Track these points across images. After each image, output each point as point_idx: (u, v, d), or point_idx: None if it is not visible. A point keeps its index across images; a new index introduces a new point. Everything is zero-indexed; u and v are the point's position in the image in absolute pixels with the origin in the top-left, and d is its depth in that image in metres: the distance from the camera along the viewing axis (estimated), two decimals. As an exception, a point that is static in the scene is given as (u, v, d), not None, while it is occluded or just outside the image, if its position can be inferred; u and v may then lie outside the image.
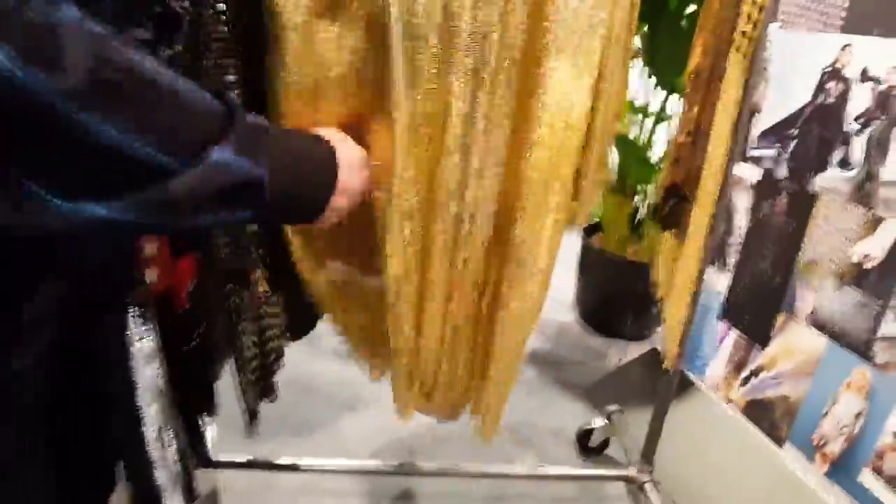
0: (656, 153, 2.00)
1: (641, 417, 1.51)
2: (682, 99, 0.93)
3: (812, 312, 1.27)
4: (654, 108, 1.94)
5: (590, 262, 2.12)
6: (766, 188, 1.40)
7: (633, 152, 1.89)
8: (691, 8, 1.74)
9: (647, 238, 2.05)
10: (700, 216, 0.89)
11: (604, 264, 2.08)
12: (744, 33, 0.77)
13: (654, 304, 1.99)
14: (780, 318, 1.34)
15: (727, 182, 0.89)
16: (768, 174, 1.38)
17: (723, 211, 0.92)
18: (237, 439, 1.15)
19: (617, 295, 2.06)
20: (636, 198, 2.05)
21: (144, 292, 0.84)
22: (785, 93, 1.33)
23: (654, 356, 1.84)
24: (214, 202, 0.46)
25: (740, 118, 0.84)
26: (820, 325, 1.25)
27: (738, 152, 0.87)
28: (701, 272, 0.98)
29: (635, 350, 1.91)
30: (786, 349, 1.34)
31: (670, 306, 0.98)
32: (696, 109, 0.89)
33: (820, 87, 1.24)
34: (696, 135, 0.89)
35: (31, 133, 0.38)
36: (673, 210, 0.92)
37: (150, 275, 0.85)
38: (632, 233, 2.07)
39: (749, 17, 0.76)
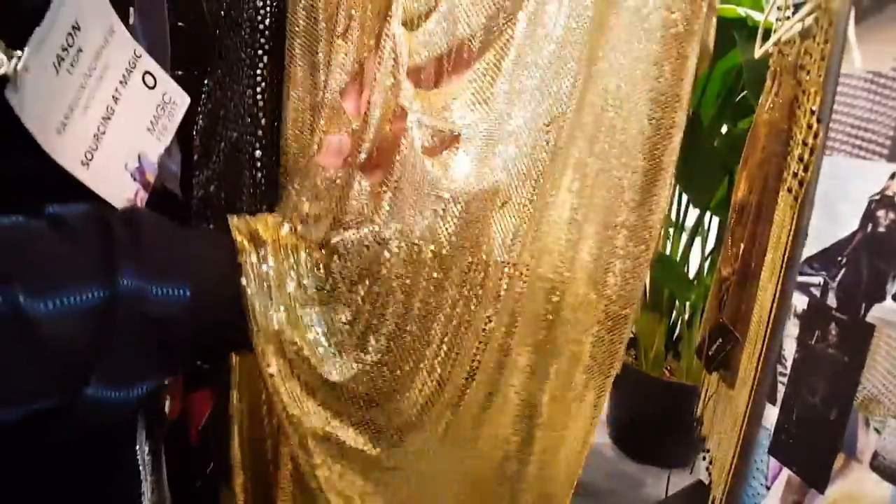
0: (692, 268, 1.95)
1: (686, 563, 1.35)
2: (726, 232, 0.89)
3: (875, 456, 1.16)
4: (688, 223, 1.91)
5: (623, 380, 2.01)
6: (813, 317, 1.32)
7: (668, 268, 1.84)
8: (725, 126, 1.75)
9: (685, 357, 1.96)
10: (751, 362, 0.82)
11: (638, 384, 1.98)
12: (795, 174, 0.74)
13: (694, 429, 1.87)
14: (840, 460, 1.22)
15: (779, 327, 0.83)
16: (815, 302, 1.31)
17: (774, 358, 0.86)
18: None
19: (653, 418, 1.94)
20: (672, 314, 1.98)
21: (158, 426, 0.80)
22: (831, 219, 1.28)
23: (698, 490, 1.70)
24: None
25: (793, 261, 0.79)
26: (884, 471, 1.14)
27: (790, 296, 0.82)
28: (753, 417, 0.90)
29: (675, 479, 1.77)
30: (848, 495, 1.21)
31: (720, 456, 0.89)
32: (742, 246, 0.85)
33: (869, 216, 1.20)
34: (743, 273, 0.85)
35: None
36: (720, 351, 0.85)
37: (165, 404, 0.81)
38: (668, 349, 1.99)
39: (801, 158, 0.73)
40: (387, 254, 0.42)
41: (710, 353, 0.86)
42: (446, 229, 0.44)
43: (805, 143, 0.73)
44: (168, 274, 0.37)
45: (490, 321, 0.51)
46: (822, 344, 1.37)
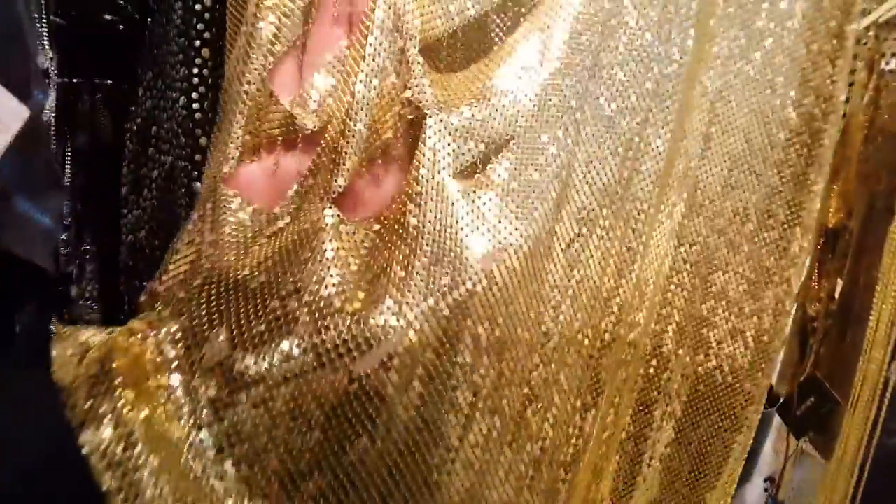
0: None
1: None
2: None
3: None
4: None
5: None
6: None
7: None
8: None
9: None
10: (862, 432, 0.65)
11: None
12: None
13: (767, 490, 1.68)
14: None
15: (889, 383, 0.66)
16: None
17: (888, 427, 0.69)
18: None
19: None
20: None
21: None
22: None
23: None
24: None
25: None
26: None
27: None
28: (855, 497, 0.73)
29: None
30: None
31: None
32: (838, 281, 0.68)
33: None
34: (842, 317, 0.68)
35: None
36: (813, 411, 0.69)
37: None
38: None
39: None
40: (401, 354, 0.25)
41: (798, 413, 0.69)
42: (494, 299, 0.27)
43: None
44: None
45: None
46: (904, 378, 1.17)
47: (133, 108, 0.40)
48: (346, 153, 0.26)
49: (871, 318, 0.64)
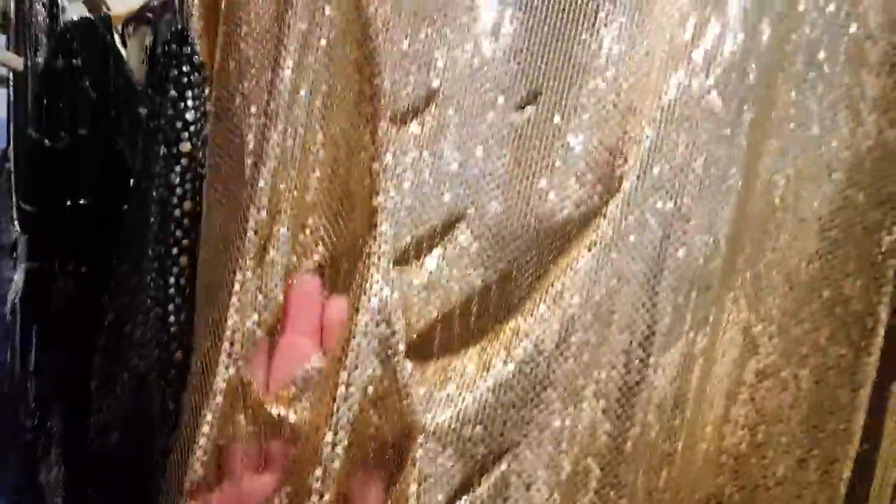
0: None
1: None
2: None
3: None
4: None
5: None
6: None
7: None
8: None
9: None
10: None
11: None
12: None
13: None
14: None
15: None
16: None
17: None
18: None
19: None
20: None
21: None
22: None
23: None
24: None
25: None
26: None
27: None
28: None
29: None
30: None
31: None
32: None
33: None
34: None
35: None
36: None
37: None
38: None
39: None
40: None
41: None
42: None
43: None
44: None
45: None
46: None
47: (106, 297, 0.38)
48: (321, 479, 0.23)
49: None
